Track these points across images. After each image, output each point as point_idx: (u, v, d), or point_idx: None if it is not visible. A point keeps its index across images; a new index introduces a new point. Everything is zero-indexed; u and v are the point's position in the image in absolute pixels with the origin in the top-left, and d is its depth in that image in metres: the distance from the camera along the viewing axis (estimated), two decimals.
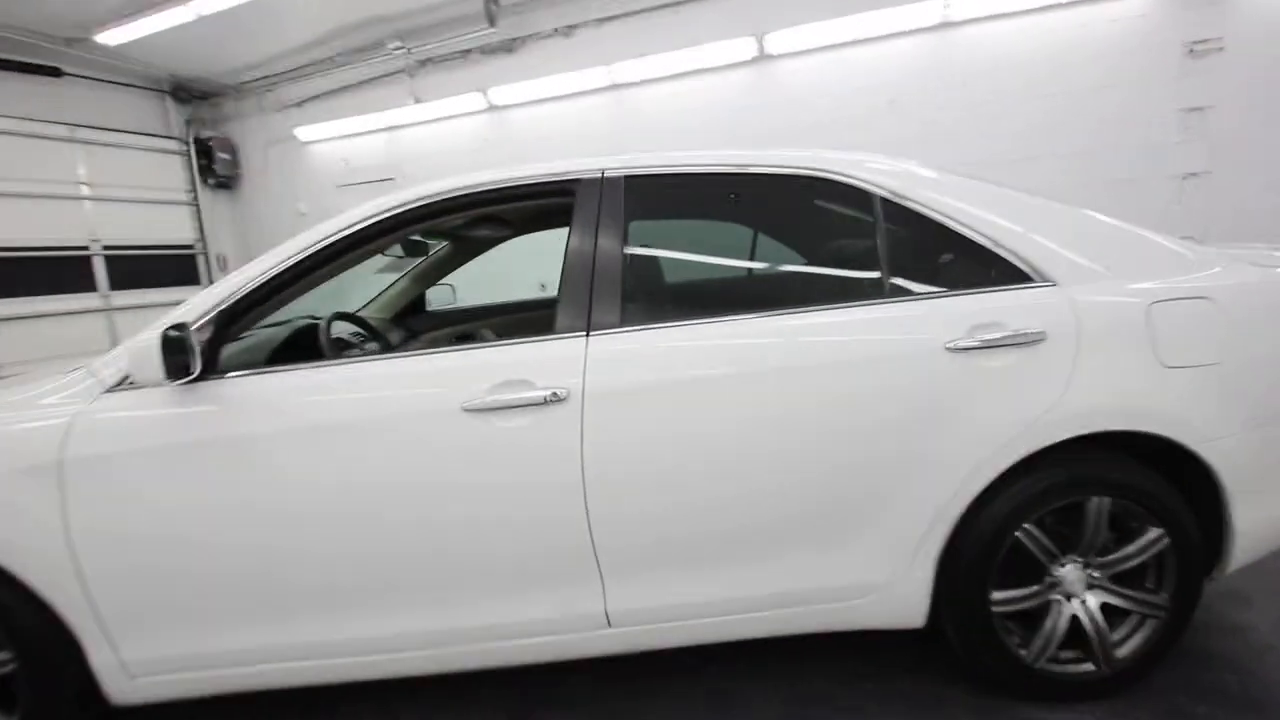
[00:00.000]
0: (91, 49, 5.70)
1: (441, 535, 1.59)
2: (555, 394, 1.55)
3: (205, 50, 6.11)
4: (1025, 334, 1.57)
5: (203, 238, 7.18)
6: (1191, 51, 4.45)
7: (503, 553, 1.61)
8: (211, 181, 7.15)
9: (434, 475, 1.57)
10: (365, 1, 5.44)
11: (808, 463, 1.60)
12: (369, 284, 2.97)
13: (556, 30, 5.66)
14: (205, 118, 7.18)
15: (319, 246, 1.71)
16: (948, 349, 1.57)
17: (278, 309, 1.77)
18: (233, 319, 1.66)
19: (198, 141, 7.03)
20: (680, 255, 2.01)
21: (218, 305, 1.63)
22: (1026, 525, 1.63)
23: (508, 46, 5.82)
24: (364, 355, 1.91)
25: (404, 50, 5.93)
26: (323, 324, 2.01)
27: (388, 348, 2.29)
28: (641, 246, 1.82)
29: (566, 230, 1.75)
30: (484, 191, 1.78)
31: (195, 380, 1.55)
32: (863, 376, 1.58)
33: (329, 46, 6.14)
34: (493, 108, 6.02)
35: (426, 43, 5.87)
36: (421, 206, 1.76)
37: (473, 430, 1.56)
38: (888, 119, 5.00)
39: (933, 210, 1.68)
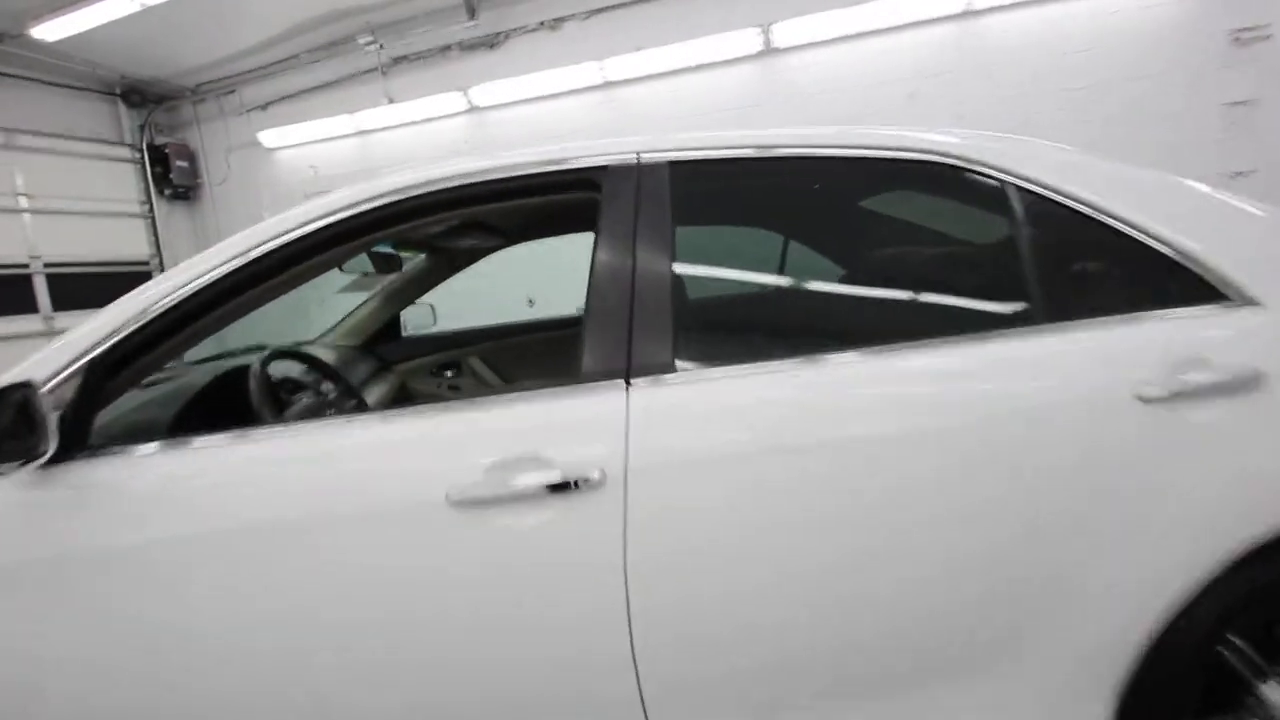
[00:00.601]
0: (28, 45, 5.13)
1: (415, 684, 1.10)
2: (585, 478, 1.06)
3: (158, 48, 5.60)
4: (1240, 376, 1.12)
5: (159, 253, 6.58)
6: (1236, 40, 4.11)
7: (505, 703, 1.12)
8: (168, 192, 6.55)
9: (406, 601, 1.08)
10: None
11: (948, 567, 1.13)
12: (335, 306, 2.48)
13: (543, 24, 5.24)
14: (160, 123, 6.61)
15: (251, 257, 1.22)
16: (1139, 398, 1.12)
17: (186, 349, 1.27)
18: (114, 368, 1.16)
19: (152, 148, 6.43)
20: (750, 272, 1.50)
21: (89, 350, 1.13)
22: (1232, 637, 1.18)
23: (490, 42, 5.39)
24: (314, 404, 1.42)
25: (377, 46, 5.48)
26: (255, 367, 1.49)
27: (348, 391, 1.78)
28: (696, 257, 1.34)
29: (589, 236, 1.27)
30: (479, 183, 1.30)
31: (52, 462, 1.05)
32: (1023, 442, 1.12)
33: (295, 43, 5.66)
34: (474, 109, 5.57)
35: (401, 38, 5.41)
36: (396, 204, 1.30)
37: (462, 534, 1.07)
38: (906, 114, 4.62)
39: (1098, 210, 1.23)
